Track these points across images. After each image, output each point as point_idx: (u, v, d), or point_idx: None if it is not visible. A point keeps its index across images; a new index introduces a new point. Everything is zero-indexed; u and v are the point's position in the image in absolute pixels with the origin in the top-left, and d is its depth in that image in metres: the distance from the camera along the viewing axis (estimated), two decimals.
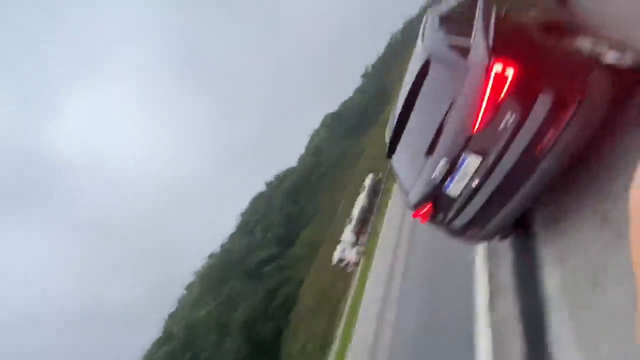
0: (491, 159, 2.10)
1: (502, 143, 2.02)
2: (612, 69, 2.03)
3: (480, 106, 1.96)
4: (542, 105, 1.90)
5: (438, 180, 2.27)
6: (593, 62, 2.10)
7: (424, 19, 3.00)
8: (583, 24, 2.49)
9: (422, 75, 2.42)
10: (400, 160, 2.89)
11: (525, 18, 2.54)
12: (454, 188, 2.28)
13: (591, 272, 1.93)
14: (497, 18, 2.40)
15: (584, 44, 2.15)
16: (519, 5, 2.77)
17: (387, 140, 2.97)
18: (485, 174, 2.16)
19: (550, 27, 2.41)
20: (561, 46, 2.20)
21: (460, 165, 2.19)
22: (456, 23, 2.78)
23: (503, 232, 2.68)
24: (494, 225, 2.32)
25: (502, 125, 1.97)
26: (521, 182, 2.08)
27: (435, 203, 2.45)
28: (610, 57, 2.03)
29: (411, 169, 2.63)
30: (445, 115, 2.18)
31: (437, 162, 2.23)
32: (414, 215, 2.71)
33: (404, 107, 2.61)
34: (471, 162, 2.16)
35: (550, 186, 2.19)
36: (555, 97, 1.90)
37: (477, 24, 2.38)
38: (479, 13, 2.51)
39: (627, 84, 2.02)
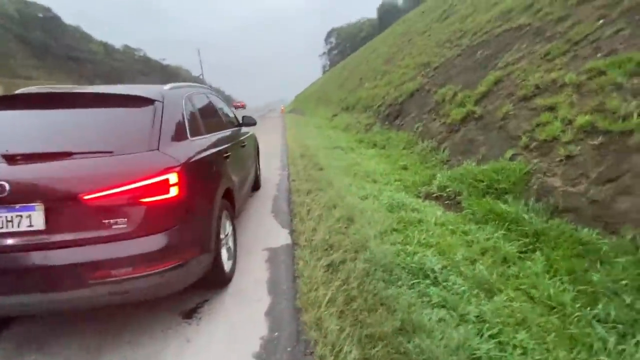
0: (55, 237, 1.58)
1: (81, 235, 1.60)
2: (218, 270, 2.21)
3: (120, 185, 1.62)
4: (151, 240, 1.68)
5: None
6: (215, 246, 2.15)
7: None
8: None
9: (130, 101, 1.99)
10: None
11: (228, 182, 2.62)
12: None
13: None
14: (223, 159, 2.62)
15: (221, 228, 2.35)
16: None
17: None
18: (29, 243, 1.57)
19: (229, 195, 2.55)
20: (206, 220, 2.09)
21: (19, 209, 1.57)
22: (205, 117, 2.73)
23: None
24: None
25: (107, 220, 1.62)
26: (44, 286, 1.58)
27: None
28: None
29: None
30: (79, 154, 1.69)
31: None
32: None
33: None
34: (34, 217, 1.57)
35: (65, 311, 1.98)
36: (168, 245, 1.72)
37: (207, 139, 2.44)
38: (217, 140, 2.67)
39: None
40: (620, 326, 1.91)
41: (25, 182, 1.57)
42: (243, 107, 55.96)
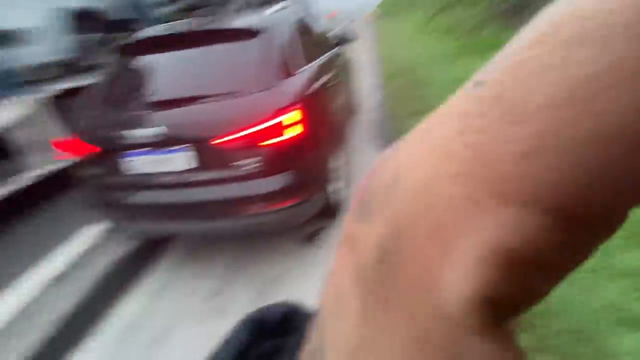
0: (200, 176, 1.83)
1: (223, 174, 1.80)
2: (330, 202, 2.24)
3: (247, 128, 1.71)
4: (282, 179, 1.81)
5: (126, 141, 1.81)
6: (333, 179, 2.24)
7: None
8: None
9: (238, 35, 1.97)
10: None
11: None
12: (135, 164, 1.87)
13: None
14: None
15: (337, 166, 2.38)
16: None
17: None
18: (178, 181, 1.86)
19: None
20: (324, 155, 2.15)
21: (166, 152, 1.81)
22: (307, 43, 2.51)
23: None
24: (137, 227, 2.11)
25: (239, 161, 1.76)
26: (197, 215, 1.93)
27: (105, 156, 1.92)
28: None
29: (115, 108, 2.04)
30: (210, 97, 1.84)
31: (148, 125, 1.80)
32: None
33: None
34: (180, 159, 1.81)
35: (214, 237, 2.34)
36: (296, 182, 1.84)
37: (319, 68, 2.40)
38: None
39: None
40: None
41: (176, 127, 1.81)
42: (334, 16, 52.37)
